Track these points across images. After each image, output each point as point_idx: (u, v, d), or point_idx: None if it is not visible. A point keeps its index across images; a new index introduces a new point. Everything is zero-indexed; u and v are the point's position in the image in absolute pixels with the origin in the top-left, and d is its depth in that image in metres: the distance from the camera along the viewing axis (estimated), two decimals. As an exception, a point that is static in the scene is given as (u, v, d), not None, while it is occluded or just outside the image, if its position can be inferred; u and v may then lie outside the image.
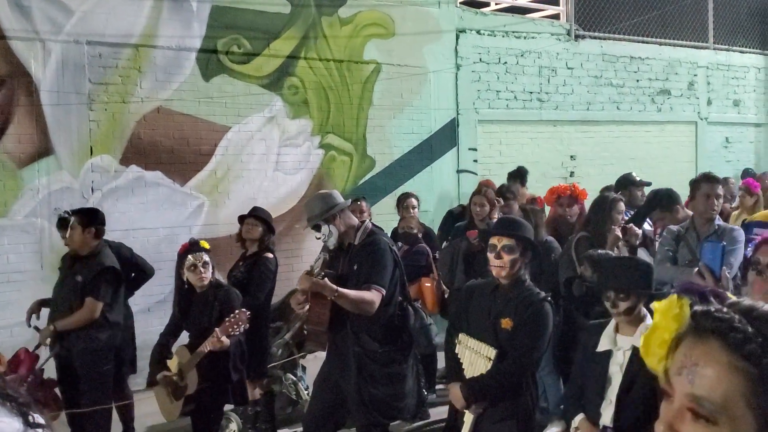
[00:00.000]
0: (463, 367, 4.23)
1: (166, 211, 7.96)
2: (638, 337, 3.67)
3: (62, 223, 6.07)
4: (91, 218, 5.78)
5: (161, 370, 5.22)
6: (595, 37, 11.31)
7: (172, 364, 5.20)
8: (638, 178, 7.95)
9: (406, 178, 9.58)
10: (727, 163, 12.96)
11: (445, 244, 7.52)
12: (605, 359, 3.78)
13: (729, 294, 1.23)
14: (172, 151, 8.05)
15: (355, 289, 4.56)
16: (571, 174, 11.08)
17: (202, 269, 5.09)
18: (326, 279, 4.45)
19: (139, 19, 7.79)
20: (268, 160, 8.67)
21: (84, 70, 7.51)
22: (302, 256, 8.58)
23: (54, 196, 7.34)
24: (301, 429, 5.33)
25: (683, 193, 6.53)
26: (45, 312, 5.97)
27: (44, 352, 5.77)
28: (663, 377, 1.20)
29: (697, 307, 1.19)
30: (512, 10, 11.30)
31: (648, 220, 7.11)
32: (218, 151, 8.33)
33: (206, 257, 5.14)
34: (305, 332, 5.13)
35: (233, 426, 6.28)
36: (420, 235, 7.36)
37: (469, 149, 10.18)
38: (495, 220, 6.40)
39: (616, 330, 3.81)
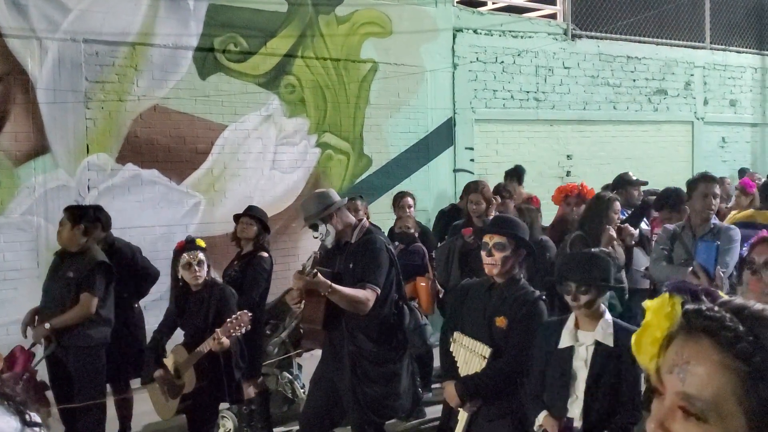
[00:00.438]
0: (457, 365, 4.24)
1: (162, 210, 7.96)
2: (599, 332, 3.74)
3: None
4: (81, 215, 5.81)
5: (157, 369, 5.22)
6: (591, 37, 11.32)
7: (168, 362, 5.20)
8: (635, 178, 7.96)
9: (403, 177, 9.59)
10: (723, 163, 12.97)
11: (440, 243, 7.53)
12: (568, 355, 3.80)
13: (721, 293, 1.23)
14: (168, 149, 8.04)
15: (350, 288, 4.56)
16: (568, 173, 11.09)
17: (197, 268, 5.08)
18: (319, 275, 4.45)
19: (136, 17, 7.79)
20: (264, 159, 8.67)
21: (81, 69, 7.50)
22: (298, 255, 8.57)
23: (50, 194, 7.34)
24: (296, 427, 5.35)
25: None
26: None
27: (39, 351, 5.76)
28: (654, 375, 1.20)
29: (689, 306, 1.19)
30: (509, 10, 11.31)
31: (645, 219, 7.12)
32: (215, 149, 8.32)
33: (201, 256, 5.12)
34: (301, 330, 5.14)
35: (229, 424, 6.28)
36: (416, 235, 7.36)
37: (466, 148, 10.19)
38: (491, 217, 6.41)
39: (577, 326, 3.82)
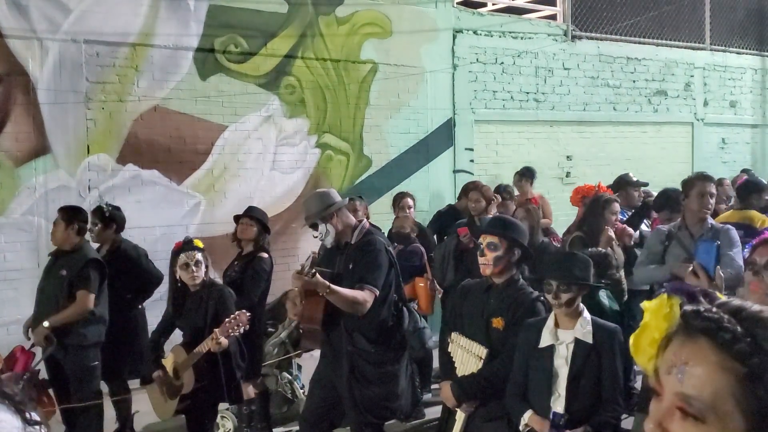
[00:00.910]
0: (455, 365, 4.25)
1: (162, 210, 7.97)
2: (578, 330, 3.79)
3: (96, 213, 6.27)
4: (74, 215, 5.85)
5: (155, 369, 5.22)
6: (591, 38, 11.33)
7: (167, 363, 5.20)
8: (635, 179, 7.96)
9: (403, 177, 9.59)
10: (723, 164, 12.98)
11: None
12: (549, 354, 3.84)
13: (719, 294, 1.24)
14: (169, 149, 8.05)
15: (349, 289, 4.57)
16: (567, 174, 11.10)
17: (194, 268, 5.08)
18: (318, 275, 4.46)
19: (136, 18, 7.80)
20: (264, 160, 8.68)
21: (81, 69, 7.51)
22: (298, 255, 8.58)
23: (51, 194, 7.35)
24: (296, 428, 5.35)
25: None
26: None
27: (40, 351, 5.78)
28: (653, 376, 1.21)
29: (687, 307, 1.20)
30: (509, 11, 11.31)
31: (645, 220, 7.13)
32: (215, 150, 8.33)
33: (199, 256, 5.12)
34: (300, 330, 5.15)
35: (229, 425, 6.28)
36: (414, 235, 7.36)
37: (466, 149, 10.20)
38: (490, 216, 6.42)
39: (556, 325, 3.87)
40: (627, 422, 4.73)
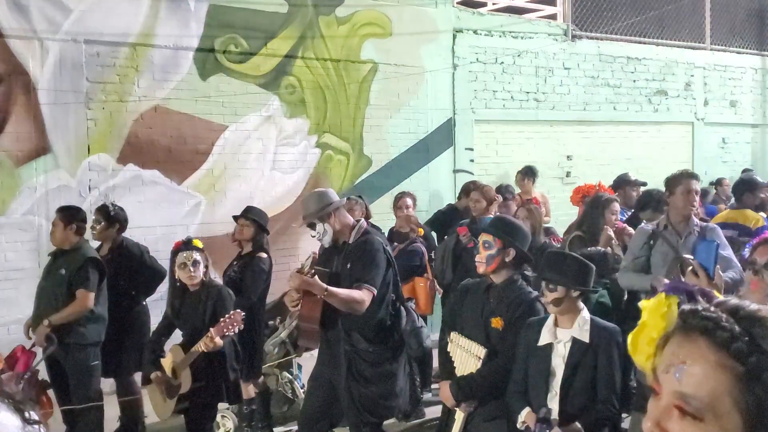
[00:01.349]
0: (454, 365, 4.26)
1: (163, 210, 7.97)
2: (576, 329, 3.81)
3: (100, 211, 6.30)
4: (73, 215, 5.87)
5: (154, 369, 5.23)
6: (592, 38, 11.33)
7: (166, 362, 5.21)
8: (634, 179, 7.96)
9: (403, 177, 9.59)
10: (723, 163, 12.99)
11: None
12: (547, 352, 3.87)
13: (717, 293, 1.25)
14: (169, 149, 8.06)
15: (347, 288, 4.58)
16: (568, 174, 11.10)
17: (191, 268, 5.09)
18: (316, 277, 4.47)
19: (136, 18, 7.80)
20: (265, 159, 8.68)
21: (82, 69, 7.51)
22: (298, 255, 8.58)
23: (51, 194, 7.35)
24: (296, 427, 5.36)
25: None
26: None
27: (40, 351, 5.78)
28: (651, 375, 1.22)
29: (685, 306, 1.20)
30: (509, 10, 11.32)
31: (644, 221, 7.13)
32: (215, 150, 8.33)
33: (197, 256, 5.13)
34: (299, 329, 5.16)
35: (229, 424, 6.29)
36: (414, 235, 7.37)
37: (466, 149, 10.20)
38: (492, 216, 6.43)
39: (556, 324, 3.89)
40: (627, 422, 4.74)
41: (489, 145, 10.49)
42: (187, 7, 8.08)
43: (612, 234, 5.96)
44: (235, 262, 6.33)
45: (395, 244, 7.22)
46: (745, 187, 6.87)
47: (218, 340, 4.83)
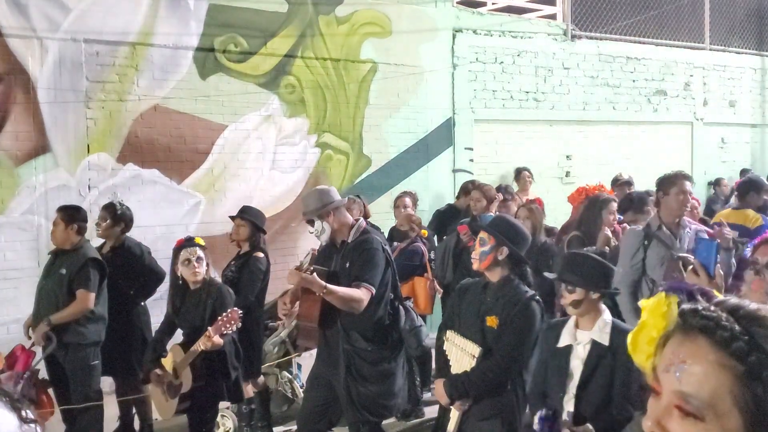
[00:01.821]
0: (450, 364, 4.26)
1: (162, 209, 7.97)
2: (596, 331, 3.76)
3: (107, 209, 6.29)
4: (74, 215, 5.86)
5: (156, 369, 5.23)
6: (591, 37, 11.33)
7: (167, 362, 5.21)
8: (626, 178, 7.96)
9: (402, 177, 9.60)
10: (722, 163, 13.00)
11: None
12: (566, 354, 3.83)
13: (716, 293, 1.25)
14: (169, 149, 8.05)
15: (345, 287, 4.58)
16: (567, 174, 11.10)
17: (195, 264, 5.10)
18: (315, 274, 4.48)
19: (136, 17, 7.80)
20: (264, 159, 8.68)
21: (81, 68, 7.51)
22: (298, 254, 8.58)
23: (51, 193, 7.35)
24: (296, 427, 5.36)
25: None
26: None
27: (40, 350, 5.78)
28: (651, 374, 1.22)
29: (685, 306, 1.20)
30: (509, 10, 11.33)
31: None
32: (215, 149, 8.33)
33: (200, 252, 5.15)
34: (298, 328, 5.16)
35: (229, 424, 6.29)
36: (414, 234, 7.36)
37: (465, 149, 10.20)
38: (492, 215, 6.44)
39: (576, 325, 3.85)
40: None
41: (488, 144, 10.50)
42: (187, 6, 8.08)
43: (610, 234, 5.96)
44: (232, 262, 6.33)
45: (395, 243, 7.23)
46: (751, 187, 6.86)
47: (217, 339, 4.83)
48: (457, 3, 10.36)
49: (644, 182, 8.66)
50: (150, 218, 7.81)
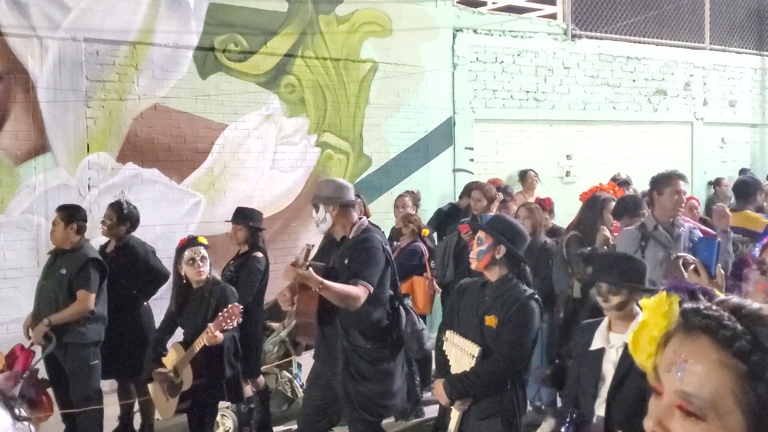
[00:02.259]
0: (449, 363, 4.26)
1: (162, 209, 7.96)
2: (629, 334, 3.72)
3: (113, 207, 6.27)
4: (73, 214, 5.85)
5: (156, 367, 5.23)
6: (591, 37, 11.33)
7: (167, 360, 5.21)
8: (624, 177, 7.94)
9: (403, 176, 9.60)
10: (722, 163, 13.00)
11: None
12: (599, 357, 3.75)
13: (717, 292, 1.24)
14: (169, 148, 8.05)
15: (343, 283, 4.57)
16: (567, 174, 11.10)
17: (200, 263, 5.11)
18: (311, 269, 4.46)
19: (136, 16, 7.79)
20: (264, 158, 8.68)
21: (81, 68, 7.51)
22: (298, 253, 8.57)
23: (51, 193, 7.34)
24: (296, 427, 5.35)
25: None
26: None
27: (39, 349, 5.78)
28: (652, 374, 1.21)
29: (687, 305, 1.20)
30: (509, 10, 11.32)
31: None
32: (215, 148, 8.33)
33: (204, 252, 5.15)
34: (296, 326, 5.15)
35: (229, 423, 6.28)
36: (408, 231, 7.36)
37: (466, 148, 10.20)
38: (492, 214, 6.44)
39: (609, 328, 3.77)
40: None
41: (489, 144, 10.50)
42: (187, 5, 8.08)
43: (608, 234, 5.96)
44: (231, 262, 6.33)
45: (396, 243, 7.23)
46: (748, 188, 6.86)
47: (218, 335, 4.82)
48: (458, 2, 10.36)
49: (644, 182, 8.64)
50: (150, 218, 7.79)
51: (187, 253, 5.14)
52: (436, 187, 9.90)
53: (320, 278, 4.44)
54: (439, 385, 4.23)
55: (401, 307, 4.91)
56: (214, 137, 8.32)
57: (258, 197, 8.36)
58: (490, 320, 4.10)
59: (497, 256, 4.17)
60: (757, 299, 1.24)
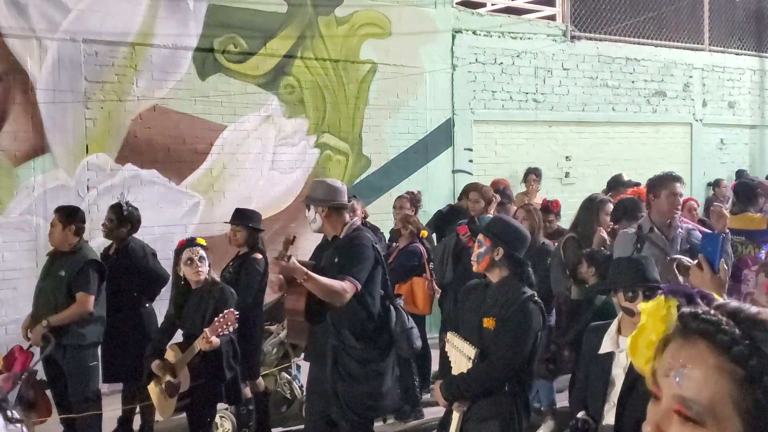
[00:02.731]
0: (451, 365, 4.27)
1: (161, 210, 7.96)
2: None
3: (114, 209, 6.26)
4: (72, 215, 5.84)
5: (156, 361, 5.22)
6: (590, 38, 11.33)
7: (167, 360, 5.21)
8: (627, 179, 7.93)
9: (402, 177, 9.59)
10: (721, 164, 13.00)
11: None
12: (608, 361, 3.70)
13: (716, 296, 1.24)
14: (168, 149, 8.05)
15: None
16: (567, 175, 11.10)
17: (198, 263, 5.10)
18: (294, 259, 4.43)
19: (135, 17, 7.79)
20: (263, 159, 8.68)
21: (80, 68, 7.51)
22: (297, 255, 8.54)
23: (50, 194, 7.34)
24: (296, 427, 5.35)
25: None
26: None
27: (38, 351, 5.77)
28: (650, 378, 1.21)
29: (685, 309, 1.20)
30: (508, 11, 11.32)
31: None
32: (214, 149, 8.33)
33: (202, 252, 5.15)
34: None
35: (227, 425, 6.28)
36: (405, 232, 7.35)
37: (465, 149, 10.20)
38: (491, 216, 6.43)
39: (619, 331, 3.73)
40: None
41: (488, 145, 10.50)
42: (186, 6, 8.08)
43: (605, 235, 5.95)
44: (230, 263, 6.33)
45: (395, 244, 7.23)
46: (748, 190, 6.85)
47: (214, 340, 4.82)
48: (457, 4, 10.36)
49: (643, 183, 8.65)
50: (149, 219, 7.76)
51: (185, 254, 5.14)
52: (435, 188, 9.89)
53: (305, 269, 4.42)
54: (437, 386, 4.25)
55: (392, 307, 4.90)
56: (213, 138, 8.32)
57: (257, 198, 8.36)
58: (488, 322, 4.09)
59: (496, 258, 4.16)
60: (762, 300, 1.24)
